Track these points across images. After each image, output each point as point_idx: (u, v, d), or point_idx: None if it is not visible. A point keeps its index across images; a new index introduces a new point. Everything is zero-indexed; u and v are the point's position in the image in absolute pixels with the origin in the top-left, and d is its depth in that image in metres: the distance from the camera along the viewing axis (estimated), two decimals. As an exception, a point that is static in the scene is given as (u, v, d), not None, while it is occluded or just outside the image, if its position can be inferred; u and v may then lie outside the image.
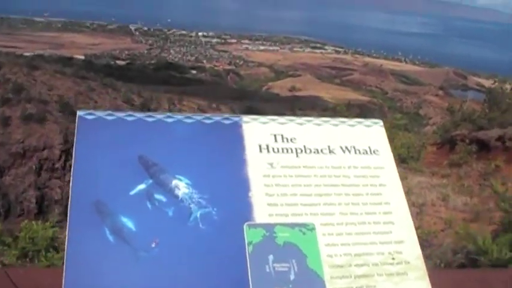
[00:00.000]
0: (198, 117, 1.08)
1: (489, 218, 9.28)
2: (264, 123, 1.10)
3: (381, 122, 1.31)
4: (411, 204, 11.07)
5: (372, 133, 1.21)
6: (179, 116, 1.07)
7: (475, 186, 13.66)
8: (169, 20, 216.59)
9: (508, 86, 25.41)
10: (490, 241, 4.34)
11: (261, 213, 0.95)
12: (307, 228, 0.95)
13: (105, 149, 0.97)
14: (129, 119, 1.02)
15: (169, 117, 1.05)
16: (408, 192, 12.25)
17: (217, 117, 1.09)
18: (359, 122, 1.22)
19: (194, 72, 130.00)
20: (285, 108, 76.43)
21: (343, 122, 1.21)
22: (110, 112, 1.00)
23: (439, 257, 6.30)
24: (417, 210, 10.55)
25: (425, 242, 6.94)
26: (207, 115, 1.09)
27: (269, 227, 0.93)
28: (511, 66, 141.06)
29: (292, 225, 0.95)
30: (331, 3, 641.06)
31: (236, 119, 1.10)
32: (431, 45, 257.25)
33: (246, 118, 1.10)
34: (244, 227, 0.91)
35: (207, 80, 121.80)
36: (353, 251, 0.96)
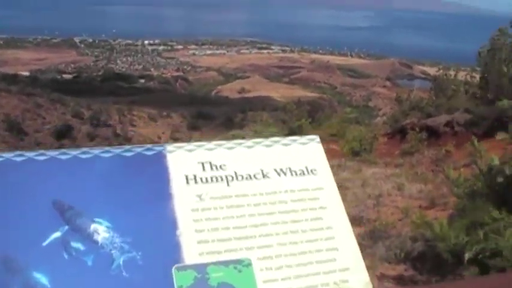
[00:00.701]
0: (117, 150, 0.98)
1: (444, 203, 9.39)
2: (190, 150, 1.00)
3: (317, 138, 1.21)
4: (367, 197, 11.16)
5: (309, 151, 1.12)
6: (96, 151, 0.96)
7: (428, 173, 13.80)
8: (114, 31, 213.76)
9: (452, 73, 25.79)
10: (447, 227, 4.34)
11: (191, 253, 0.85)
12: (242, 265, 0.86)
13: (15, 194, 0.85)
14: (40, 158, 0.91)
15: (84, 153, 0.95)
16: (364, 185, 12.33)
17: (138, 149, 1.00)
18: (294, 140, 1.14)
19: (142, 81, 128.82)
20: (235, 110, 76.42)
21: (277, 141, 1.12)
22: (19, 153, 0.89)
23: (399, 247, 6.31)
24: (374, 202, 10.59)
25: (384, 234, 6.94)
26: (127, 147, 1.00)
27: (200, 268, 0.82)
28: (454, 54, 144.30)
29: (226, 263, 0.88)
30: (275, 3, 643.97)
31: (159, 148, 1.01)
32: (376, 38, 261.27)
33: (170, 147, 1.01)
34: (173, 270, 0.84)
35: (156, 88, 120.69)
36: (295, 285, 0.87)
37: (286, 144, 1.12)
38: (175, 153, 1.01)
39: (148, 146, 1.01)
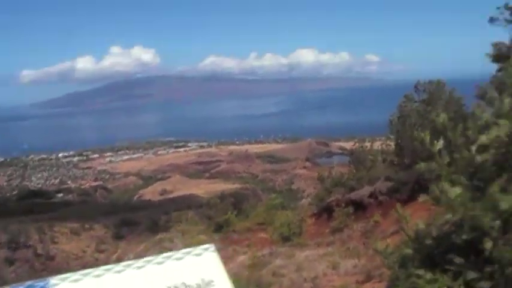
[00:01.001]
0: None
1: (379, 275, 9.17)
2: (76, 280, 0.96)
3: (212, 247, 1.12)
4: (303, 280, 10.79)
5: (204, 262, 1.09)
6: None
7: (360, 246, 13.67)
8: (25, 146, 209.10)
9: (367, 144, 26.44)
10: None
11: None
12: None
13: None
14: None
15: None
16: (298, 269, 11.96)
17: (20, 287, 0.97)
18: (188, 253, 1.11)
19: (60, 195, 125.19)
20: (159, 213, 74.98)
21: (169, 257, 1.10)
22: None
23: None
24: (311, 285, 10.27)
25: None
26: (13, 285, 0.96)
27: None
28: (367, 125, 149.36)
29: None
30: (186, 100, 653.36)
31: (42, 283, 0.97)
32: (289, 122, 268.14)
33: (53, 280, 0.97)
34: None
35: (75, 200, 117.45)
36: None
37: (179, 259, 1.10)
38: (60, 286, 0.94)
39: (30, 282, 0.98)
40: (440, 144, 3.24)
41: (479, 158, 2.95)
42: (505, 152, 2.89)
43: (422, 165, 3.25)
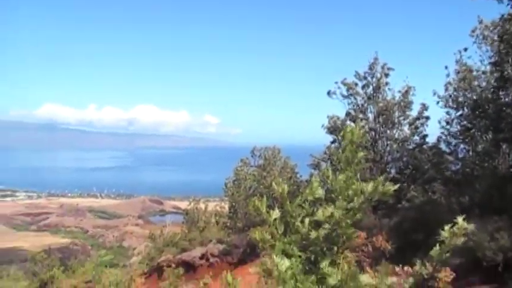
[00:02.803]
0: None
1: None
2: None
3: None
4: None
5: None
6: None
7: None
8: None
9: (202, 206, 26.64)
10: None
11: None
12: None
13: None
14: None
15: None
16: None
17: None
18: None
19: None
20: (-23, 265, 69.92)
21: None
22: None
23: None
24: None
25: None
26: None
27: None
28: (201, 186, 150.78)
29: None
30: (16, 147, 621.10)
31: None
32: (124, 177, 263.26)
33: None
34: None
35: None
36: None
37: None
38: None
39: None
40: (276, 213, 3.29)
41: (313, 234, 3.03)
42: (336, 229, 3.00)
43: (256, 235, 3.27)
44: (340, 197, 3.05)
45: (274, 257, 3.02)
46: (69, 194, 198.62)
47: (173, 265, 18.49)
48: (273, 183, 3.46)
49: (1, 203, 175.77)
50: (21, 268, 32.39)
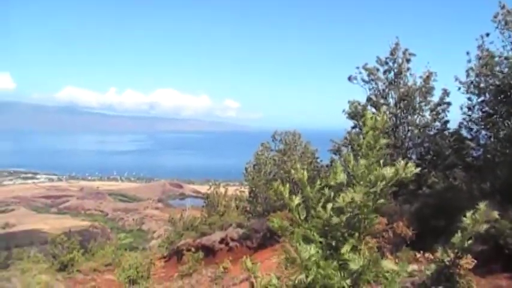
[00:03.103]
0: None
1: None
2: None
3: None
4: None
5: None
6: None
7: (209, 293, 13.61)
8: None
9: (222, 190, 26.67)
10: None
11: None
12: None
13: None
14: None
15: None
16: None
17: None
18: None
19: None
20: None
21: None
22: None
23: None
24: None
25: None
26: None
27: None
28: (221, 170, 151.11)
29: None
30: (37, 130, 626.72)
31: None
32: (144, 161, 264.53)
33: None
34: None
35: None
36: None
37: None
38: None
39: None
40: (298, 199, 3.28)
41: (334, 220, 3.02)
42: (358, 214, 2.99)
43: (275, 223, 3.26)
44: (361, 182, 3.04)
45: (297, 244, 3.02)
46: (90, 177, 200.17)
47: (193, 249, 18.62)
48: (292, 170, 3.45)
49: (22, 185, 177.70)
50: (42, 250, 32.78)
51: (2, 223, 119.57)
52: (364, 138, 3.23)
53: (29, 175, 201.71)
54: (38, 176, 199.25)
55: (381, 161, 3.08)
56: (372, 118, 3.18)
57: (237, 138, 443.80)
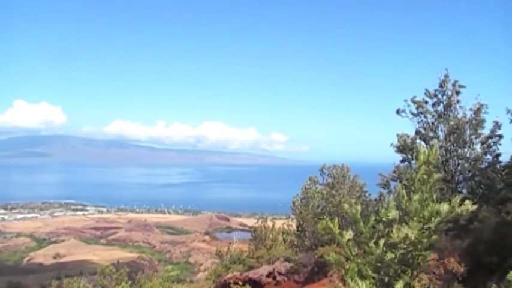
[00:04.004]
0: None
1: None
2: None
3: None
4: None
5: None
6: None
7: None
8: None
9: (270, 223, 26.64)
10: None
11: None
12: None
13: None
14: None
15: None
16: None
17: None
18: None
19: None
20: (50, 277, 72.26)
21: None
22: None
23: None
24: None
25: None
26: None
27: None
28: (268, 204, 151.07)
29: None
30: (88, 163, 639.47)
31: None
32: (191, 194, 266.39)
33: None
34: None
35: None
36: None
37: None
38: None
39: None
40: (349, 234, 3.26)
41: (388, 256, 3.00)
42: (411, 250, 2.96)
43: (330, 257, 3.25)
44: (415, 218, 3.01)
45: (350, 279, 3.00)
46: (138, 210, 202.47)
47: (240, 282, 18.56)
48: (345, 205, 3.45)
49: (72, 217, 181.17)
50: (91, 281, 33.16)
51: (53, 253, 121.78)
52: (416, 172, 3.21)
53: (79, 207, 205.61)
54: (88, 208, 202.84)
55: (435, 197, 3.06)
56: (424, 152, 3.17)
57: (284, 172, 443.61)
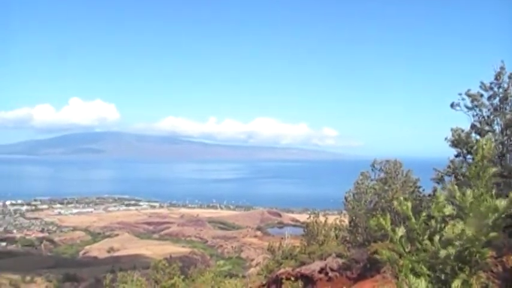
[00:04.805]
0: None
1: None
2: None
3: None
4: None
5: None
6: None
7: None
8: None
9: (322, 219, 26.47)
10: None
11: None
12: None
13: None
14: None
15: None
16: None
17: None
18: None
19: (3, 244, 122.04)
20: (104, 271, 73.80)
21: None
22: None
23: None
24: None
25: None
26: None
27: None
28: (319, 199, 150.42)
29: None
30: (141, 158, 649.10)
31: None
32: (243, 189, 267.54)
33: None
34: None
35: (19, 251, 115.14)
36: None
37: None
38: None
39: None
40: (402, 230, 3.19)
41: (442, 253, 2.91)
42: (468, 247, 2.86)
43: (384, 254, 3.17)
44: (471, 214, 2.91)
45: (406, 276, 2.92)
46: (190, 205, 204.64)
47: (292, 278, 18.51)
48: (395, 201, 3.37)
49: (126, 211, 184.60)
50: (144, 275, 33.64)
51: (107, 247, 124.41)
52: (475, 167, 3.11)
53: (132, 202, 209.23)
54: (141, 203, 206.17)
55: (493, 192, 2.95)
56: (482, 146, 3.07)
57: (335, 167, 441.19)
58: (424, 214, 3.16)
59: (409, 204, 3.26)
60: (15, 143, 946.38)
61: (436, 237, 3.01)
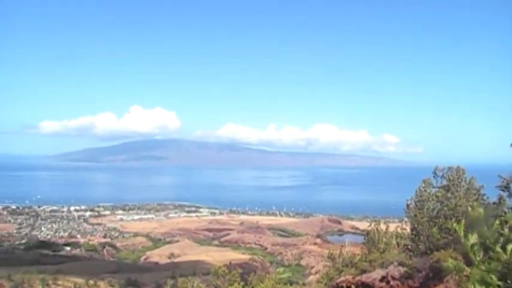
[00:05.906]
0: None
1: None
2: None
3: None
4: None
5: None
6: None
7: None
8: (38, 197, 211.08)
9: (383, 227, 26.09)
10: None
11: None
12: None
13: None
14: None
15: None
16: None
17: None
18: None
19: (68, 248, 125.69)
20: (165, 276, 74.87)
21: None
22: None
23: None
24: None
25: None
26: None
27: None
28: (380, 206, 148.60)
29: None
30: (202, 165, 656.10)
31: None
32: (303, 196, 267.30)
33: None
34: None
35: (83, 255, 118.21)
36: None
37: None
38: None
39: None
40: (474, 238, 3.07)
41: (517, 261, 2.78)
42: (545, 256, 2.72)
43: (449, 263, 3.06)
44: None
45: (472, 287, 2.81)
46: (249, 212, 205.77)
47: (353, 286, 18.30)
48: (468, 207, 3.26)
49: (186, 218, 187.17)
50: (204, 281, 33.92)
51: (168, 253, 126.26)
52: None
53: (193, 209, 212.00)
54: (201, 210, 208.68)
55: None
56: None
57: (395, 174, 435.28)
58: (497, 222, 3.03)
59: (481, 210, 3.15)
60: (78, 150, 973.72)
61: (510, 246, 2.88)
